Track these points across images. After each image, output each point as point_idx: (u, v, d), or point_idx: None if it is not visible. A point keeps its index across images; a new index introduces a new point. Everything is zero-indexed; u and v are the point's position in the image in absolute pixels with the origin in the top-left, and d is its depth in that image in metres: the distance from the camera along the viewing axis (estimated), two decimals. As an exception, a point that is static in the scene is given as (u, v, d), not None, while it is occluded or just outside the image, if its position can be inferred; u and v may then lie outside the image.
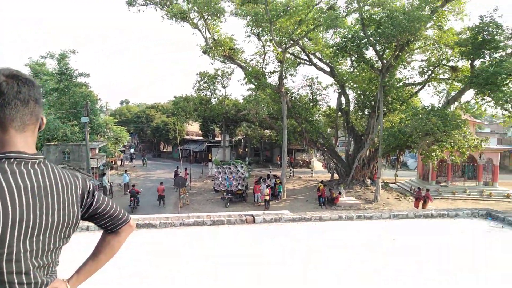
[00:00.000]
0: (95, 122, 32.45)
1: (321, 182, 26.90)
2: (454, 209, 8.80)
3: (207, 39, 28.95)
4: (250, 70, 28.94)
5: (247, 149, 47.21)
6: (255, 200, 24.19)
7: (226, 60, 30.55)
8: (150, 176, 37.05)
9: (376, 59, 26.77)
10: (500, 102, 24.48)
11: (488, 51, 24.48)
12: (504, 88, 23.09)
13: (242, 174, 25.12)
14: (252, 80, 27.91)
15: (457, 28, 26.46)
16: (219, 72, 34.20)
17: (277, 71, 29.20)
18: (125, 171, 31.26)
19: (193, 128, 57.74)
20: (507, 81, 23.05)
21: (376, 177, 27.23)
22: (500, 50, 24.55)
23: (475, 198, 28.14)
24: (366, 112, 31.50)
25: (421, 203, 23.08)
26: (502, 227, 7.67)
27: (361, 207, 23.80)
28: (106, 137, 35.98)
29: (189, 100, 35.12)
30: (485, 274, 5.26)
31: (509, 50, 24.55)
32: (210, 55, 29.32)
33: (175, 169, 33.77)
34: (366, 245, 6.41)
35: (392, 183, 32.95)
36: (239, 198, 25.07)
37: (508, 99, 23.93)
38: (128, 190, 25.44)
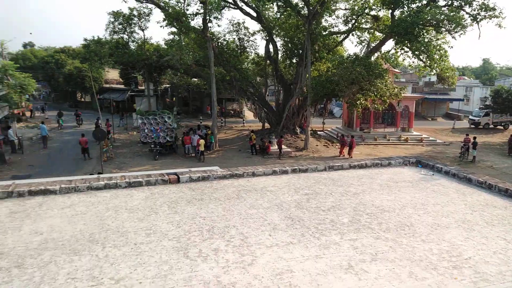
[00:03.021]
0: (-13, 66, 27.44)
1: (252, 131, 26.60)
2: (387, 158, 8.87)
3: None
4: (170, 11, 26.18)
5: (174, 99, 44.80)
6: (186, 152, 23.21)
7: (141, -2, 27.23)
8: (66, 129, 33.56)
9: (303, 5, 25.98)
10: (417, 52, 25.78)
11: (407, 1, 25.09)
12: (420, 39, 24.15)
13: (170, 125, 23.63)
14: (173, 22, 25.37)
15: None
16: (135, 12, 30.60)
17: (200, 14, 26.82)
18: (42, 122, 27.65)
19: (113, 75, 52.85)
20: (423, 31, 24.12)
21: (305, 125, 27.71)
22: (417, 1, 25.33)
23: (394, 143, 30.41)
24: (294, 61, 31.18)
25: (346, 149, 24.19)
26: (432, 174, 7.87)
27: (292, 154, 24.23)
28: (6, 84, 31.00)
29: (102, 43, 31.03)
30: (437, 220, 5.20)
31: (424, 1, 25.41)
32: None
33: (96, 120, 30.71)
34: (297, 203, 6.02)
35: (320, 130, 34.07)
36: (168, 150, 23.80)
37: (424, 49, 25.23)
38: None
